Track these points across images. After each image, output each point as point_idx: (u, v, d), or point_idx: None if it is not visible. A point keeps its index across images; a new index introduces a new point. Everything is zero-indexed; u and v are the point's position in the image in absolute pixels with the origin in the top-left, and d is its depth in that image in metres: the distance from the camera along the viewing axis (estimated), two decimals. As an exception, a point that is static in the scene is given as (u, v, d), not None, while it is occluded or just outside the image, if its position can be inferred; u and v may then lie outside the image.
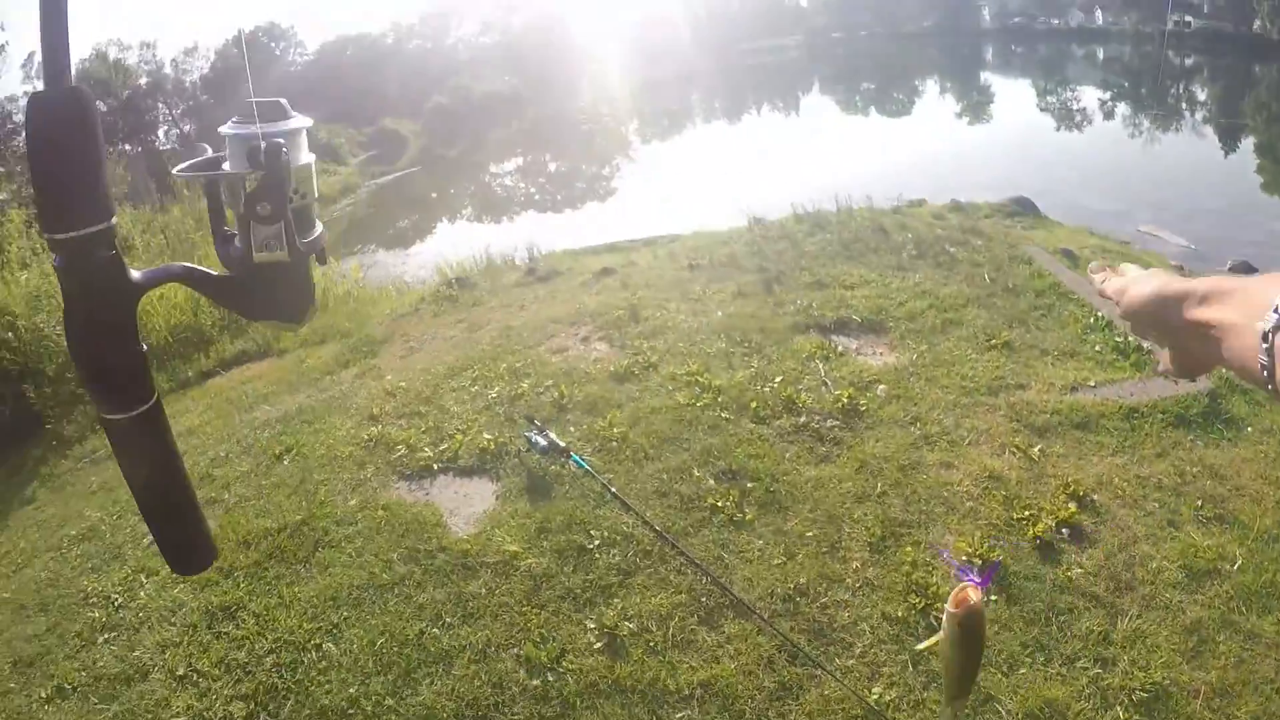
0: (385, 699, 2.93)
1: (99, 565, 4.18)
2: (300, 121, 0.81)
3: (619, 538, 3.50)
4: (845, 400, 4.30)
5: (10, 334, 7.01)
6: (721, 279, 6.40)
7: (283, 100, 0.81)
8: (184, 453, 4.36)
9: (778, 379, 4.61)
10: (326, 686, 3.03)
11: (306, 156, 0.82)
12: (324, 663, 3.14)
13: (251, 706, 3.02)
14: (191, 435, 5.50)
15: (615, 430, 4.27)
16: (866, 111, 31.48)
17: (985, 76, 37.47)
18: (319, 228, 0.84)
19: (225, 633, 3.42)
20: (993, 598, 3.00)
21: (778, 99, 37.04)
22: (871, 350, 4.99)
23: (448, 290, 7.64)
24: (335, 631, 3.28)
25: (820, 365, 4.74)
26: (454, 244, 10.59)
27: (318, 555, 3.76)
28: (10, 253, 8.03)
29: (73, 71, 0.63)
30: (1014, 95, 30.04)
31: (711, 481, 3.82)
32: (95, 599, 3.89)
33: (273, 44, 56.45)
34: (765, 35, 55.49)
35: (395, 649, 3.13)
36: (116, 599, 3.83)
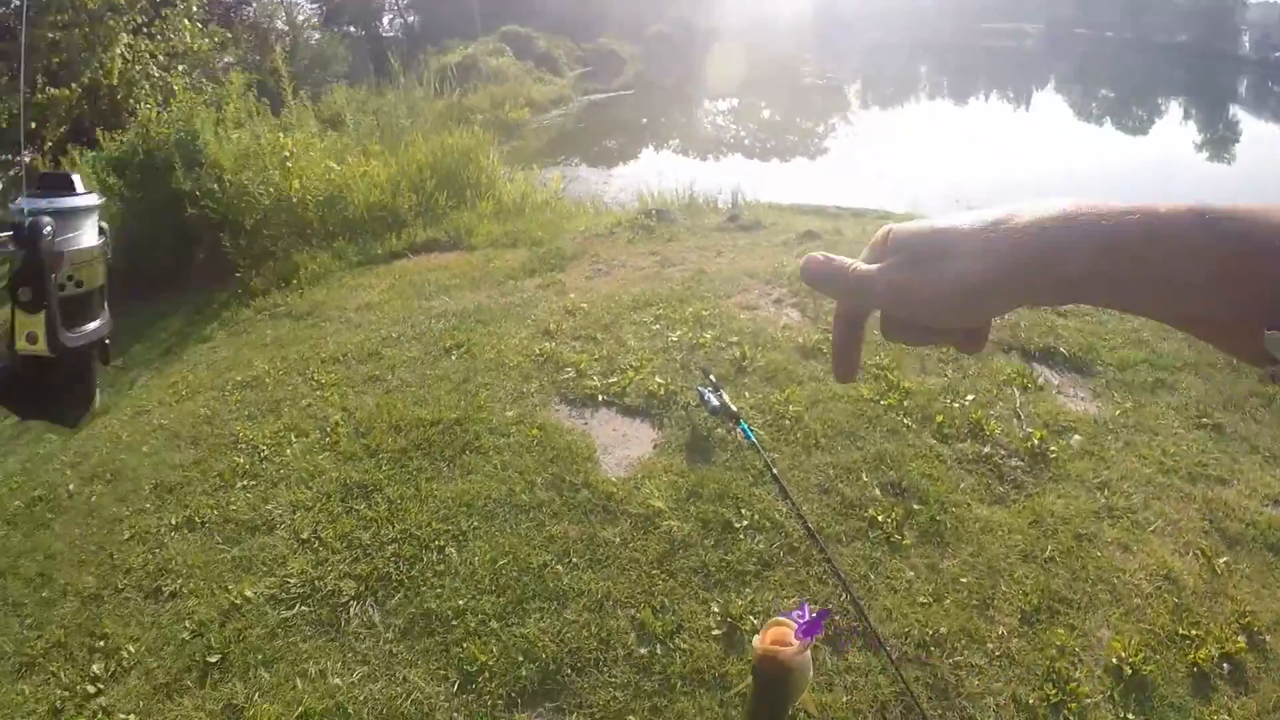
0: (491, 620, 2.84)
1: (255, 414, 4.33)
2: (86, 200, 0.66)
3: (768, 524, 3.25)
4: (1036, 441, 3.82)
5: (215, 186, 7.57)
6: (930, 272, 5.92)
7: (74, 175, 0.68)
8: (358, 326, 4.47)
9: (969, 397, 4.18)
10: (439, 590, 2.98)
11: (91, 238, 0.67)
12: (441, 566, 3.09)
13: (361, 588, 3.03)
14: (369, 310, 5.64)
15: (790, 408, 3.99)
16: (1101, 121, 28.61)
17: (1235, 110, 33.32)
18: (102, 320, 0.69)
19: (356, 510, 3.45)
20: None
21: (1009, 88, 34.52)
22: (1073, 391, 4.44)
23: (645, 219, 7.48)
24: (461, 539, 3.22)
25: (1017, 394, 4.26)
26: (658, 173, 10.40)
27: (463, 458, 3.71)
28: (227, 112, 8.56)
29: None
30: (1265, 138, 26.58)
31: (877, 491, 3.48)
32: (244, 445, 4.02)
33: (506, -56, 58.06)
34: (1007, 18, 52.72)
35: (514, 574, 3.02)
36: (263, 450, 3.95)
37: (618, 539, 3.15)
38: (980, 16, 50.34)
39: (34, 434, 4.53)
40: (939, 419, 3.95)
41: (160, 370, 5.74)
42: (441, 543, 3.20)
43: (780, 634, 0.94)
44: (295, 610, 3.00)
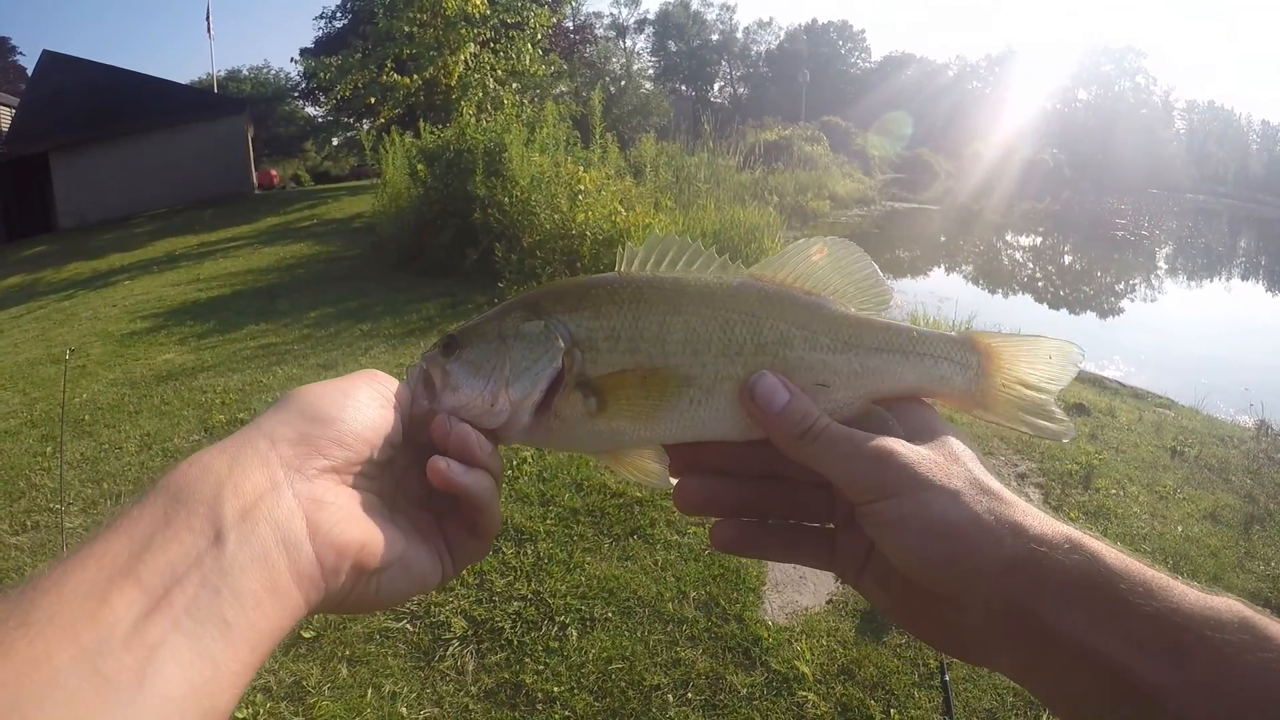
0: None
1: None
2: None
3: None
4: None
5: (507, 199, 8.00)
6: (1199, 484, 4.90)
7: None
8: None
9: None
10: (541, 668, 2.84)
11: None
12: (556, 644, 2.95)
13: (470, 631, 2.97)
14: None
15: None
16: None
17: None
18: None
19: (503, 552, 3.44)
20: None
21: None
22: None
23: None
24: (587, 624, 3.07)
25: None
26: (940, 299, 9.96)
27: (629, 541, 3.60)
28: (537, 135, 9.15)
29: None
30: None
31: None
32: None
33: (840, 41, 59.87)
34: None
35: (623, 684, 2.78)
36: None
37: (745, 690, 2.80)
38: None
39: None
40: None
41: (395, 348, 6.10)
42: (567, 620, 3.05)
43: None
44: (400, 625, 3.02)
